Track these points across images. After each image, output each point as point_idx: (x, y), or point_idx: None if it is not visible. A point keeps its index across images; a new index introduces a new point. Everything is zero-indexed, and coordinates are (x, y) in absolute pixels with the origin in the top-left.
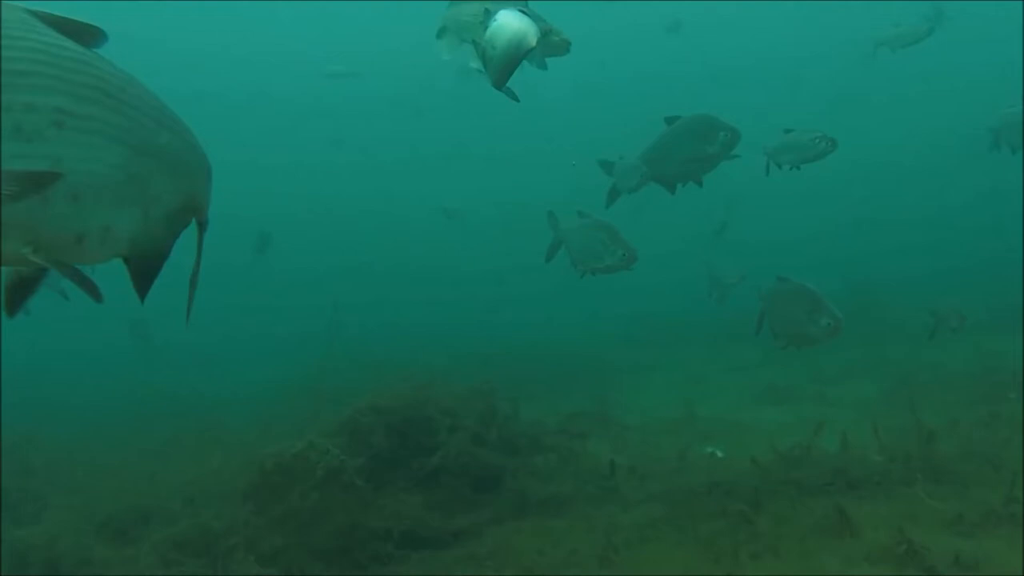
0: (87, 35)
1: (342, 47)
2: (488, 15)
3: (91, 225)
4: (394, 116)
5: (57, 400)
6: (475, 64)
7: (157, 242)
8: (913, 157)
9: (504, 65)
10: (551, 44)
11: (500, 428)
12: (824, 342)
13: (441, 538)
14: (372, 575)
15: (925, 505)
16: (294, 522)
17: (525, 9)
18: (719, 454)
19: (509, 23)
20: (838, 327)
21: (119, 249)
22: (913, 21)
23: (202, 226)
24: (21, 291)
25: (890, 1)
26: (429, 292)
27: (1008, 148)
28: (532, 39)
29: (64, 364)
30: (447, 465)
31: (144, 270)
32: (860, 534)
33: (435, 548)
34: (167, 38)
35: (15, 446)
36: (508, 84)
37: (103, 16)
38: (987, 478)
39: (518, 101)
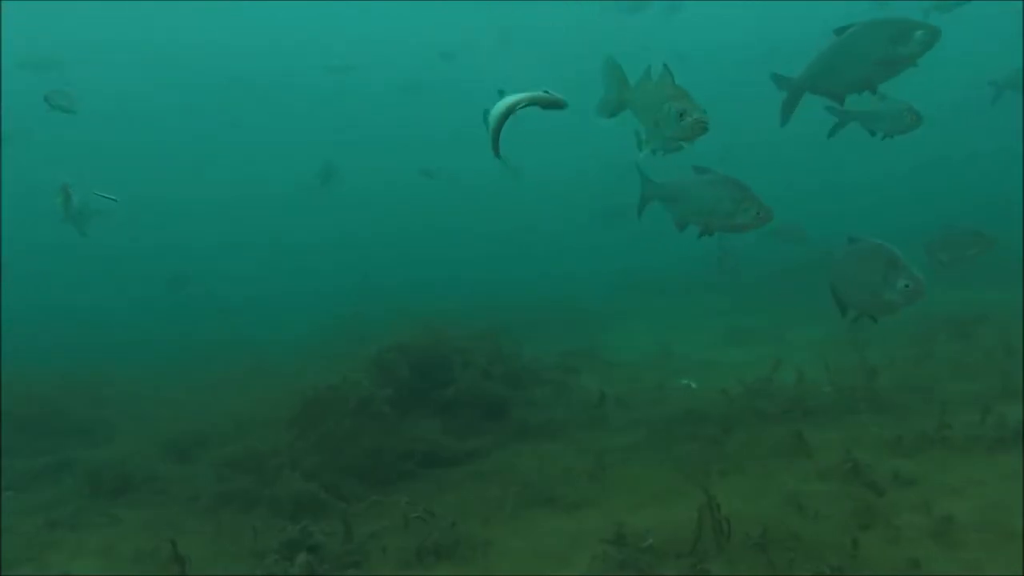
0: None
1: (353, 42)
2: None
3: None
4: (400, 99)
5: (124, 344)
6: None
7: None
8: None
9: (491, 136)
10: (684, 127)
11: (505, 365)
12: (902, 309)
13: (455, 458)
14: (397, 489)
15: (868, 430)
16: (330, 444)
17: (548, 91)
18: (693, 385)
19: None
20: (919, 290)
21: None
22: None
23: None
24: None
25: None
26: (444, 251)
27: None
28: (500, 111)
29: (130, 313)
30: (460, 396)
31: None
32: (813, 455)
33: (449, 466)
34: (209, 31)
35: (88, 382)
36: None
37: (150, 17)
38: (921, 408)
39: (518, 178)
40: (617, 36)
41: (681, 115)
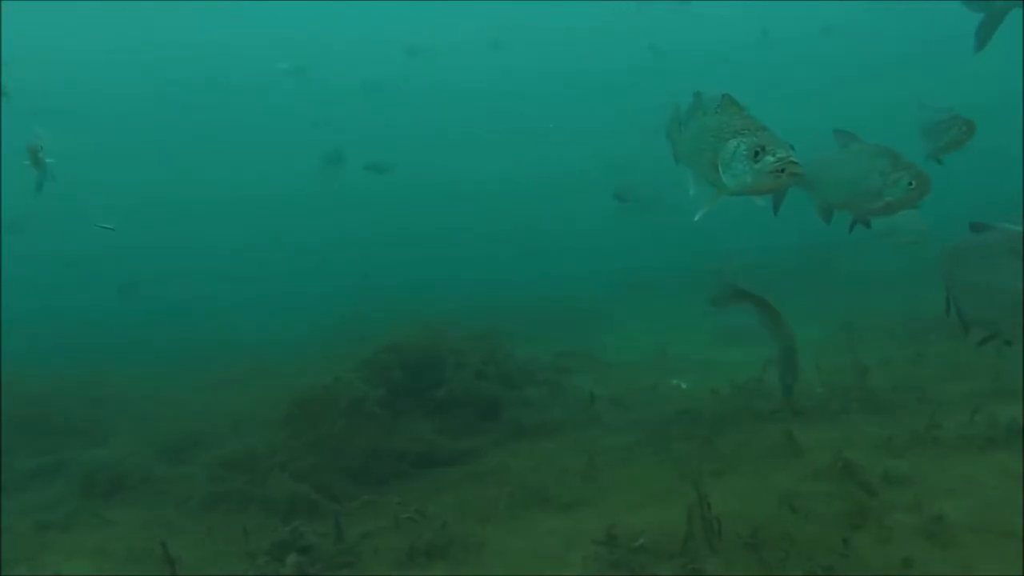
0: None
1: (352, 42)
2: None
3: None
4: (401, 98)
5: (123, 344)
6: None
7: None
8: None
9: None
10: (761, 171)
11: (499, 365)
12: None
13: (450, 458)
14: (391, 489)
15: (860, 430)
16: (325, 445)
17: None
18: (683, 386)
19: None
20: None
21: None
22: None
23: None
24: None
25: None
26: (444, 251)
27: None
28: None
29: (129, 313)
30: (454, 396)
31: None
32: (805, 454)
33: (445, 466)
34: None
35: (86, 382)
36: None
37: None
38: (913, 407)
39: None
40: (614, 34)
41: (757, 154)
